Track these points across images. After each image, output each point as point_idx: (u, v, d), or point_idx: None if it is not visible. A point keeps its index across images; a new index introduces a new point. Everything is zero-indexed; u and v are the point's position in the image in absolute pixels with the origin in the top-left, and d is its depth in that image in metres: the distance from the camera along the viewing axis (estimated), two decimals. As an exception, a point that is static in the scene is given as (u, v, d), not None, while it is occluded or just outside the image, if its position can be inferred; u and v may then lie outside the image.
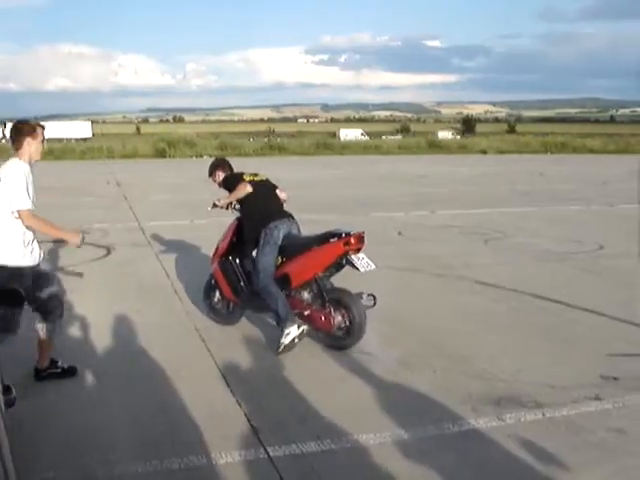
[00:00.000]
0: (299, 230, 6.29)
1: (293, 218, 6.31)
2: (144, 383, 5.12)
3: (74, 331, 6.35)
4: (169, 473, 3.78)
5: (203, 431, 4.25)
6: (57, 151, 37.69)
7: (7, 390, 3.11)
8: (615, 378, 5.16)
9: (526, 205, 16.39)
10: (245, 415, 4.52)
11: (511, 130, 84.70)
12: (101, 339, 6.07)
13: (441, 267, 9.21)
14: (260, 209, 6.19)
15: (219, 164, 6.75)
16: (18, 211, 4.72)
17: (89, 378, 5.24)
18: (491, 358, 5.67)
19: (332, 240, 5.72)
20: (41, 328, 4.98)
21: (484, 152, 43.74)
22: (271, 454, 3.97)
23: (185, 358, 5.65)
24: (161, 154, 38.27)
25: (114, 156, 37.52)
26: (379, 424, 4.38)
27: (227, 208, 6.49)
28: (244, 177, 6.34)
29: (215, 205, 6.47)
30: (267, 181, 6.51)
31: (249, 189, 6.13)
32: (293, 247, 5.97)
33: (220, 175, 6.61)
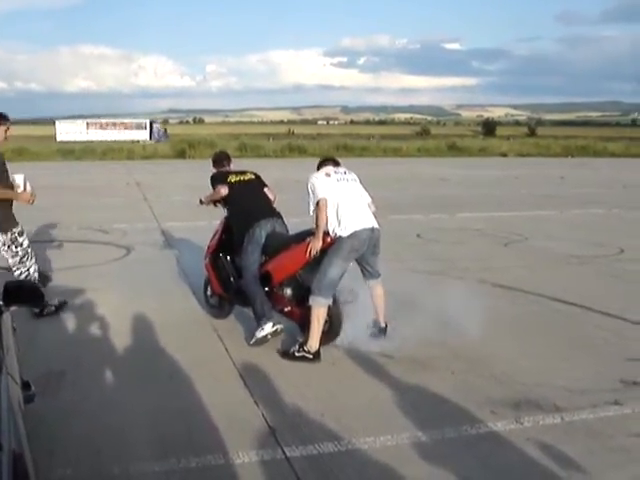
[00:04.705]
0: (285, 228, 6.36)
1: (279, 216, 6.38)
2: (161, 382, 5.13)
3: (93, 330, 6.40)
4: (186, 472, 3.79)
5: (220, 431, 4.26)
6: (78, 151, 37.90)
7: (26, 386, 3.12)
8: (635, 383, 5.11)
9: (546, 208, 16.27)
10: (262, 415, 4.52)
11: (532, 133, 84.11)
12: (119, 338, 6.10)
13: (460, 270, 9.16)
14: (243, 209, 6.30)
15: (216, 160, 6.88)
16: None
17: (107, 376, 5.27)
18: (510, 361, 5.64)
19: (308, 239, 5.76)
20: None
21: (504, 155, 43.44)
22: (288, 454, 3.97)
23: (203, 358, 5.66)
24: (181, 155, 38.35)
25: (134, 157, 37.65)
26: (397, 425, 4.37)
27: (215, 205, 6.68)
28: (228, 177, 6.46)
29: (202, 202, 6.76)
30: (254, 180, 6.60)
31: (223, 193, 6.34)
32: (274, 246, 6.08)
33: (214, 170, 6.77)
